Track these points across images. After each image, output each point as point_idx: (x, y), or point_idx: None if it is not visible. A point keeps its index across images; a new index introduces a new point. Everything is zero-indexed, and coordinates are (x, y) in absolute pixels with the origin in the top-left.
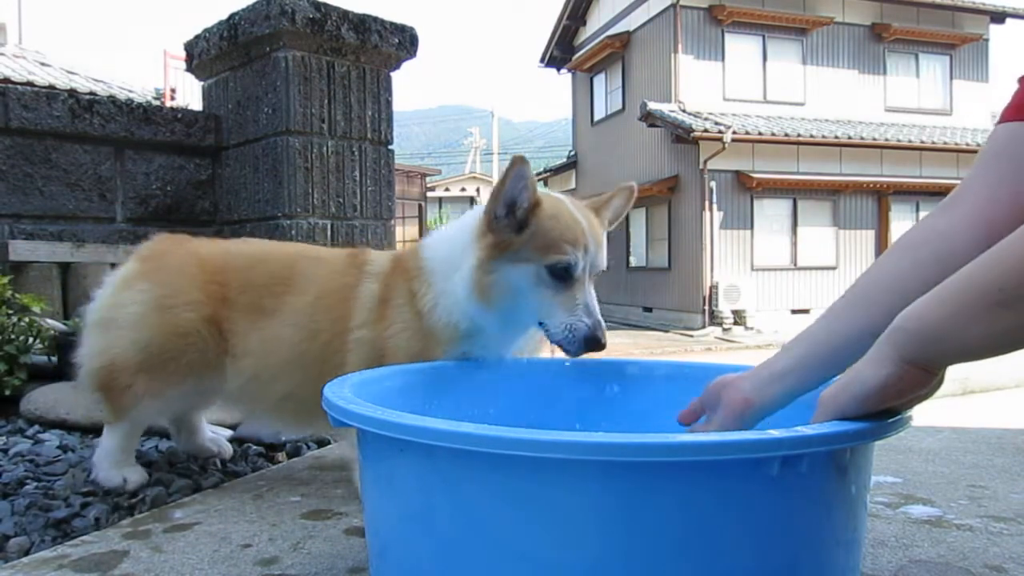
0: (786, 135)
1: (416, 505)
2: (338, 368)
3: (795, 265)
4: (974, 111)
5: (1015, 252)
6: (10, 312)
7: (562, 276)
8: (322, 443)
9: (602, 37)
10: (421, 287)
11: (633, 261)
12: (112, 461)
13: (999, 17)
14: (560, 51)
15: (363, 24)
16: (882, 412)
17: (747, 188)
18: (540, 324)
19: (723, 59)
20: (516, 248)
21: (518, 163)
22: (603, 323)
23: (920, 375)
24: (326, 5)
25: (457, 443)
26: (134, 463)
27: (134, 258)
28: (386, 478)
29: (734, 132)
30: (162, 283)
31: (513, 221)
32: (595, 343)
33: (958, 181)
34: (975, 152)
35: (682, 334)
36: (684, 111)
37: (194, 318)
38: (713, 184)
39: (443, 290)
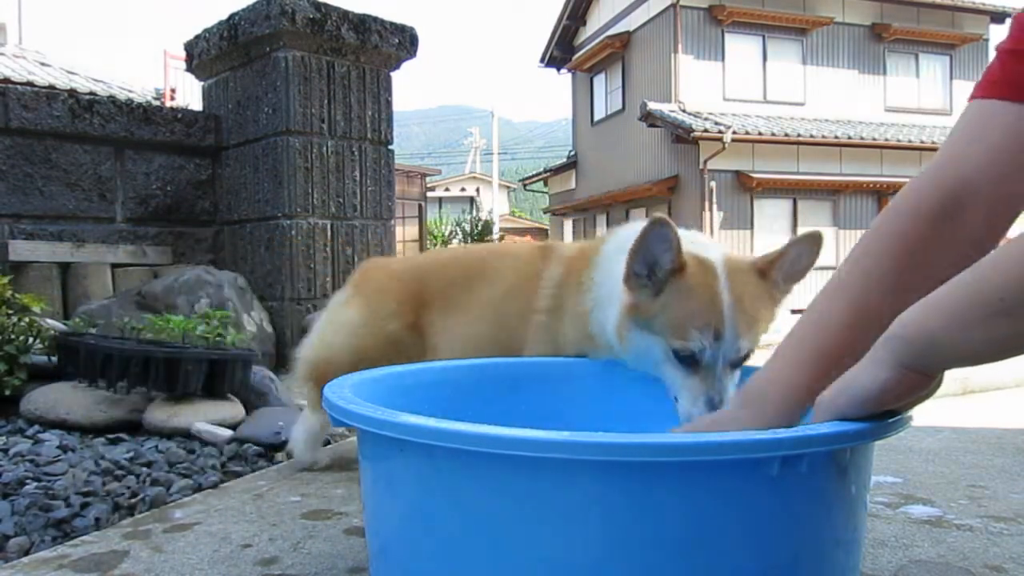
0: (786, 135)
1: (416, 505)
2: (520, 353)
3: None
4: None
5: (1016, 259)
6: (10, 312)
7: (688, 362)
8: (322, 443)
9: (602, 37)
10: (586, 285)
11: None
12: (307, 445)
13: (999, 17)
14: (560, 51)
15: (363, 24)
16: (882, 412)
17: (747, 188)
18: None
19: (723, 59)
20: (650, 315)
21: (658, 224)
22: None
23: (918, 379)
24: (326, 5)
25: (456, 443)
26: (321, 447)
27: (349, 283)
28: (386, 478)
29: (734, 132)
30: (369, 299)
31: (654, 282)
32: None
33: None
34: None
35: None
36: (684, 111)
37: (397, 327)
38: (713, 184)
39: (599, 303)
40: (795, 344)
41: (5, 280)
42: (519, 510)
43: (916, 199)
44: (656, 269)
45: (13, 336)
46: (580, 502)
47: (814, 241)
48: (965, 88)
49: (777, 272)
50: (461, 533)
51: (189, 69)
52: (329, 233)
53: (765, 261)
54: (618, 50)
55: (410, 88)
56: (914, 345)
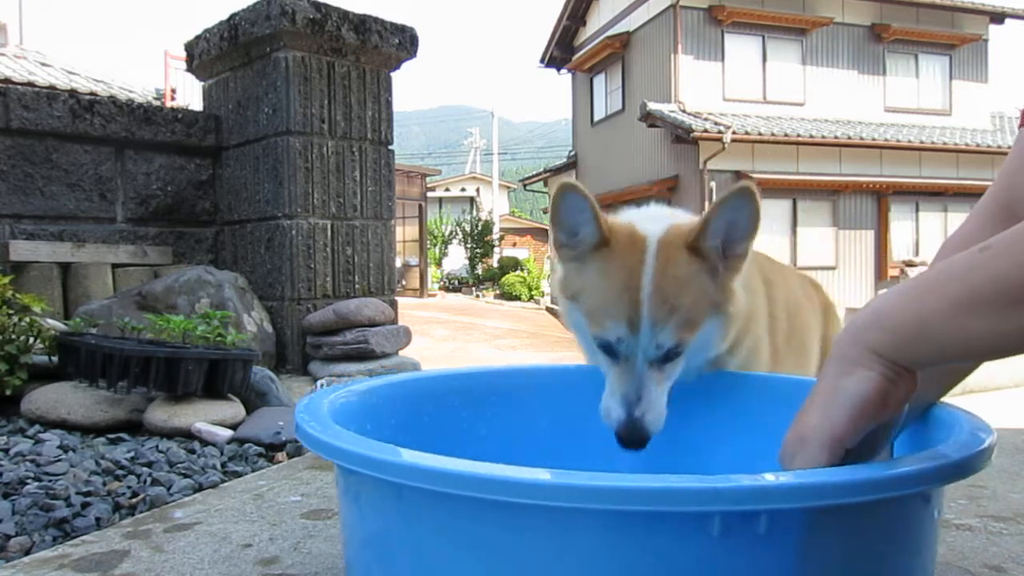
0: (786, 135)
1: (376, 533)
2: None
3: (795, 265)
4: (974, 111)
5: None
6: (11, 312)
7: (609, 352)
8: None
9: (602, 37)
10: None
11: None
12: None
13: (999, 17)
14: (560, 51)
15: (363, 24)
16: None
17: None
18: None
19: (723, 59)
20: (576, 292)
21: (566, 190)
22: (644, 425)
23: (906, 376)
24: (326, 5)
25: (419, 481)
26: None
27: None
28: (354, 492)
29: (734, 132)
30: None
31: (578, 253)
32: (619, 441)
33: (958, 181)
34: (975, 152)
35: None
36: (684, 111)
37: None
38: (713, 184)
39: None
40: None
41: (6, 280)
42: (465, 550)
43: (980, 207)
44: (579, 239)
45: (14, 336)
46: (518, 549)
47: (744, 196)
48: (964, 88)
49: (710, 246)
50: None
51: (189, 69)
52: (329, 233)
53: (693, 235)
54: (618, 50)
55: (410, 88)
56: (899, 335)
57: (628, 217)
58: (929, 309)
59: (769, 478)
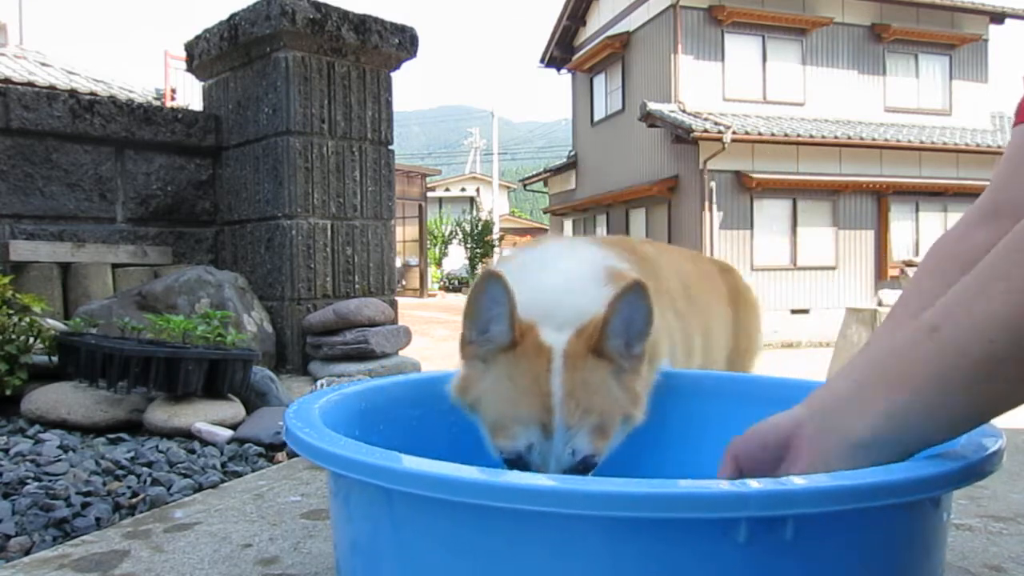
0: (786, 135)
1: (365, 537)
2: None
3: (795, 265)
4: (974, 111)
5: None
6: (11, 312)
7: (515, 467)
8: None
9: (602, 37)
10: None
11: None
12: None
13: (999, 17)
14: (560, 51)
15: (363, 24)
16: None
17: (747, 188)
18: None
19: (723, 59)
20: (476, 398)
21: (489, 280)
22: None
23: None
24: (326, 5)
25: (405, 486)
26: None
27: None
28: (343, 498)
29: (734, 132)
30: None
31: (485, 351)
32: None
33: (958, 181)
34: (975, 152)
35: None
36: (684, 111)
37: None
38: (713, 184)
39: None
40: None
41: (6, 280)
42: (457, 557)
43: (975, 208)
44: (487, 337)
45: (14, 336)
46: (517, 555)
47: (637, 292)
48: (964, 88)
49: (612, 347)
50: None
51: (189, 69)
52: (329, 233)
53: (595, 339)
54: (618, 50)
55: (410, 88)
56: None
57: (537, 307)
58: (901, 398)
59: (798, 482)
